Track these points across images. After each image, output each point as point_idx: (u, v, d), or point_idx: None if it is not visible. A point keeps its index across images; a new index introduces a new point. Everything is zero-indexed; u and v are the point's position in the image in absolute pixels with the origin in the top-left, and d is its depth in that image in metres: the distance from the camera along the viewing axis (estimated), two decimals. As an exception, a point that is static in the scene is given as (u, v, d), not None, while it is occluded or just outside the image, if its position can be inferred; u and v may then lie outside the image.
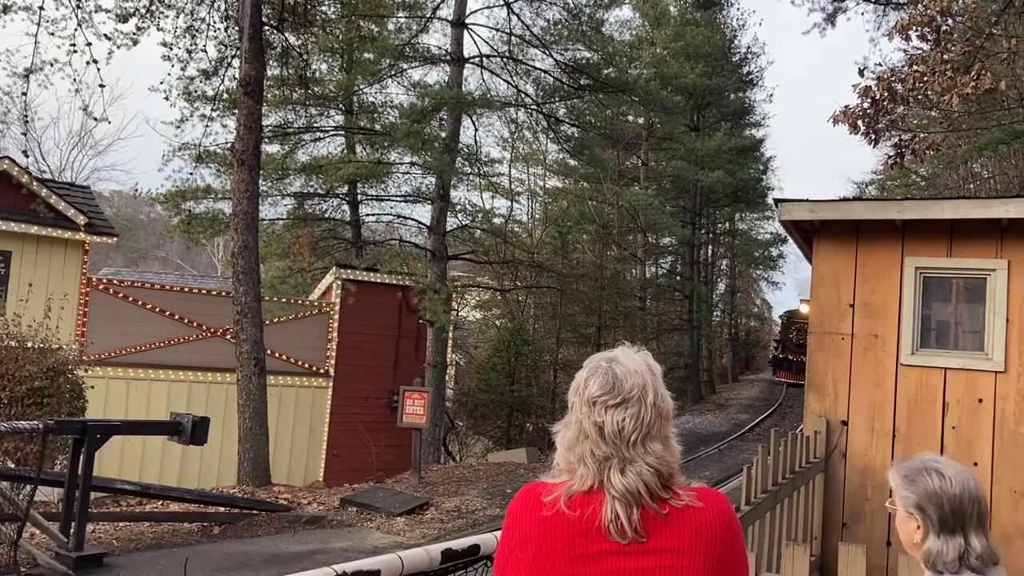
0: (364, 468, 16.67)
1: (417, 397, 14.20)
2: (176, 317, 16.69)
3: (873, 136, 11.13)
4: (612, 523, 1.61)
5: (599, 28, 22.96)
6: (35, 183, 15.31)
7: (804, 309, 31.10)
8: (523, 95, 22.75)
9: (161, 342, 16.45)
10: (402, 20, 21.50)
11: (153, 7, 15.05)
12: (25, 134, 15.26)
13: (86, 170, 42.59)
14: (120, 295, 16.30)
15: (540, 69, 22.59)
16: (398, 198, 24.50)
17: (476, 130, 22.45)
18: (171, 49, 15.76)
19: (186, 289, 18.52)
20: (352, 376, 18.34)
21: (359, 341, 18.49)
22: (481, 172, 23.25)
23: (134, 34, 14.91)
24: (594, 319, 30.64)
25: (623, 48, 25.89)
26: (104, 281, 16.80)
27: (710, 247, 45.37)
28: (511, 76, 22.43)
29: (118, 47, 14.67)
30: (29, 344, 11.23)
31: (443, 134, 20.87)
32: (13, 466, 10.05)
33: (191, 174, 19.06)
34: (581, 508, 1.63)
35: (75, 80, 13.78)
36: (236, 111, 14.66)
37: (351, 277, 18.67)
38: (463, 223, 23.02)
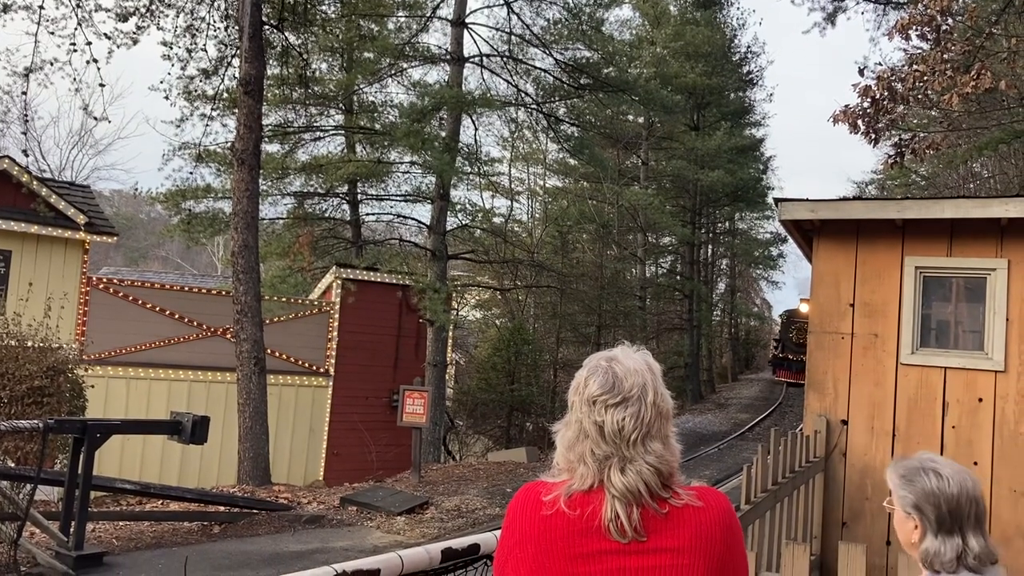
0: (364, 467, 16.67)
1: (417, 396, 14.20)
2: (176, 316, 16.70)
3: (873, 136, 11.12)
4: (612, 522, 1.61)
5: (599, 27, 22.95)
6: (35, 182, 15.31)
7: (804, 308, 31.10)
8: (523, 94, 22.75)
9: (161, 341, 16.46)
10: (402, 19, 21.50)
11: (153, 6, 15.05)
12: (25, 133, 15.26)
13: (86, 169, 42.63)
14: (120, 294, 16.30)
15: (540, 68, 22.60)
16: (398, 197, 24.51)
17: (476, 129, 22.48)
18: (171, 48, 15.77)
19: (186, 288, 18.53)
20: (352, 375, 18.35)
21: (359, 340, 18.49)
22: (481, 171, 23.25)
23: (134, 33, 14.92)
24: (594, 318, 30.64)
25: (623, 47, 25.89)
26: (104, 280, 16.81)
27: (710, 246, 45.36)
28: (511, 75, 22.44)
29: (118, 46, 14.68)
30: (29, 343, 11.23)
31: (443, 133, 20.87)
32: (13, 465, 10.05)
33: (191, 173, 19.10)
34: (581, 507, 1.63)
35: (75, 79, 13.79)
36: (236, 110, 14.66)
37: (351, 276, 18.68)
38: (463, 223, 23.02)
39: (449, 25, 21.36)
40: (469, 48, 21.56)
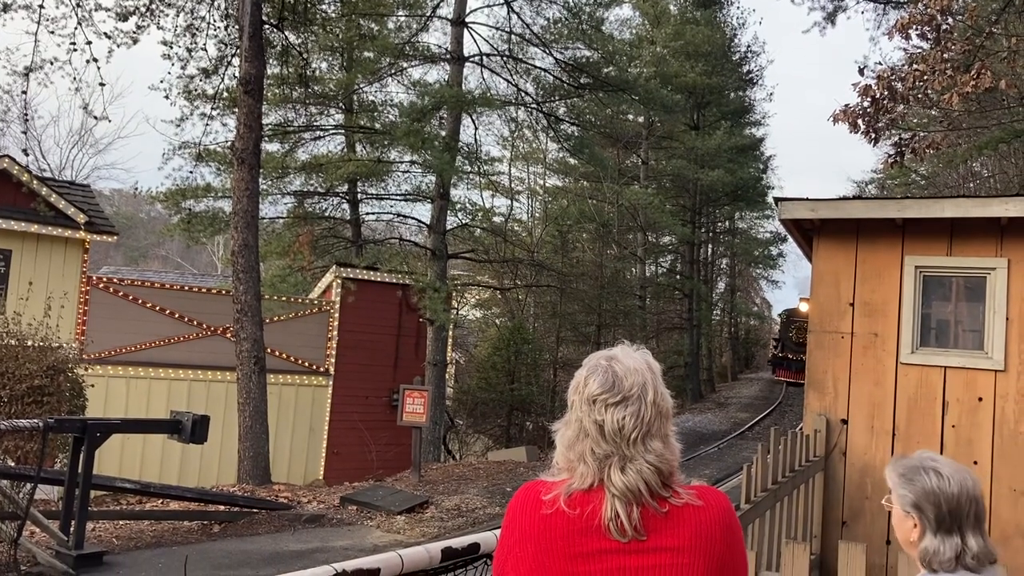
0: (364, 467, 16.68)
1: (417, 396, 14.20)
2: (176, 316, 16.70)
3: (873, 135, 11.12)
4: (612, 521, 1.61)
5: (599, 27, 22.95)
6: (35, 181, 15.31)
7: (803, 307, 31.09)
8: (523, 94, 22.75)
9: (161, 340, 16.46)
10: (402, 19, 21.50)
11: (153, 6, 15.05)
12: (25, 132, 15.33)
13: (86, 168, 42.64)
14: (120, 294, 16.31)
15: (540, 68, 22.60)
16: (398, 197, 24.52)
17: (476, 129, 22.47)
18: (171, 48, 15.77)
19: (186, 288, 18.54)
20: (352, 375, 18.35)
21: (359, 340, 18.50)
22: (481, 171, 23.24)
23: (134, 33, 14.92)
24: (594, 318, 30.64)
25: (623, 47, 25.89)
26: (104, 280, 16.81)
27: (710, 246, 45.36)
28: (511, 75, 22.43)
29: (118, 46, 14.68)
30: (29, 342, 11.23)
31: (443, 133, 20.87)
32: (13, 464, 10.06)
33: (191, 173, 19.10)
34: (581, 506, 1.64)
35: (75, 78, 13.79)
36: (236, 110, 14.65)
37: (351, 276, 18.68)
38: (463, 222, 23.02)
39: (449, 24, 21.36)
40: (469, 47, 21.59)
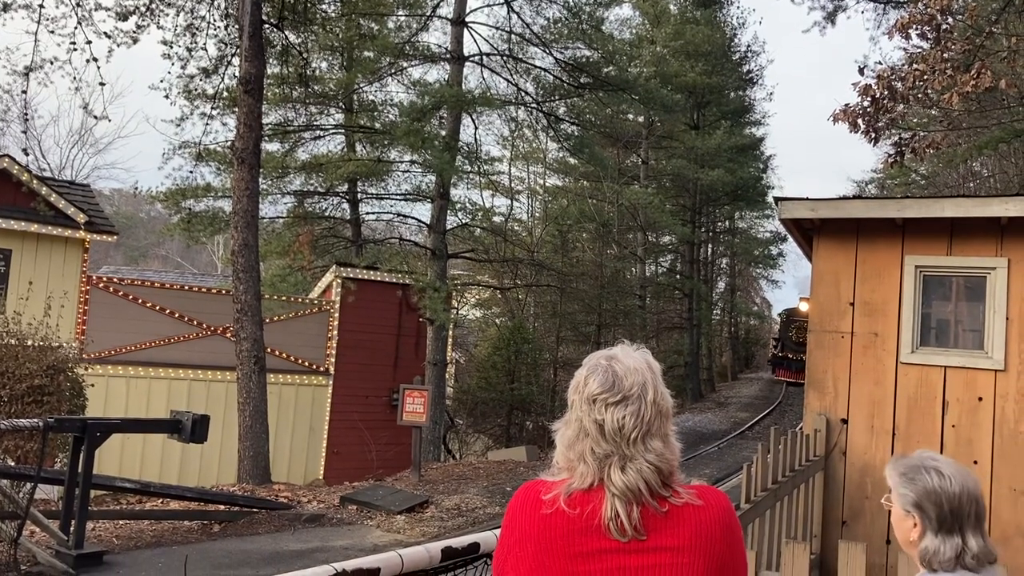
0: (364, 466, 16.68)
1: (417, 395, 14.20)
2: (176, 315, 16.70)
3: (873, 135, 11.11)
4: (612, 521, 1.61)
5: (599, 26, 22.95)
6: (35, 181, 15.32)
7: (803, 307, 31.09)
8: (523, 93, 22.75)
9: (161, 340, 16.46)
10: (402, 18, 21.50)
11: (153, 5, 15.05)
12: (25, 132, 15.34)
13: (86, 168, 42.65)
14: (120, 293, 16.31)
15: (540, 67, 22.60)
16: (398, 196, 24.53)
17: (476, 128, 22.47)
18: (171, 47, 15.77)
19: (186, 287, 18.55)
20: (352, 374, 18.35)
21: (359, 339, 18.50)
22: (481, 170, 23.24)
23: (134, 32, 14.92)
24: (594, 317, 30.65)
25: (623, 46, 25.89)
26: (104, 279, 16.81)
27: (710, 245, 45.37)
28: (511, 74, 22.43)
29: (118, 45, 14.68)
30: (29, 342, 11.24)
31: (443, 132, 20.87)
32: (13, 464, 10.06)
33: (191, 172, 19.10)
34: (581, 506, 1.64)
35: (75, 78, 13.79)
36: (236, 109, 14.66)
37: (351, 275, 18.69)
38: (463, 221, 23.03)
39: (449, 24, 21.36)
40: (469, 47, 21.58)
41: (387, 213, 26.08)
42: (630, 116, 34.63)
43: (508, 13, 21.59)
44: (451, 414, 24.31)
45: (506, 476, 15.53)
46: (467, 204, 22.78)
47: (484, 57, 21.94)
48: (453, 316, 21.93)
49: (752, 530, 4.78)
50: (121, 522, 10.15)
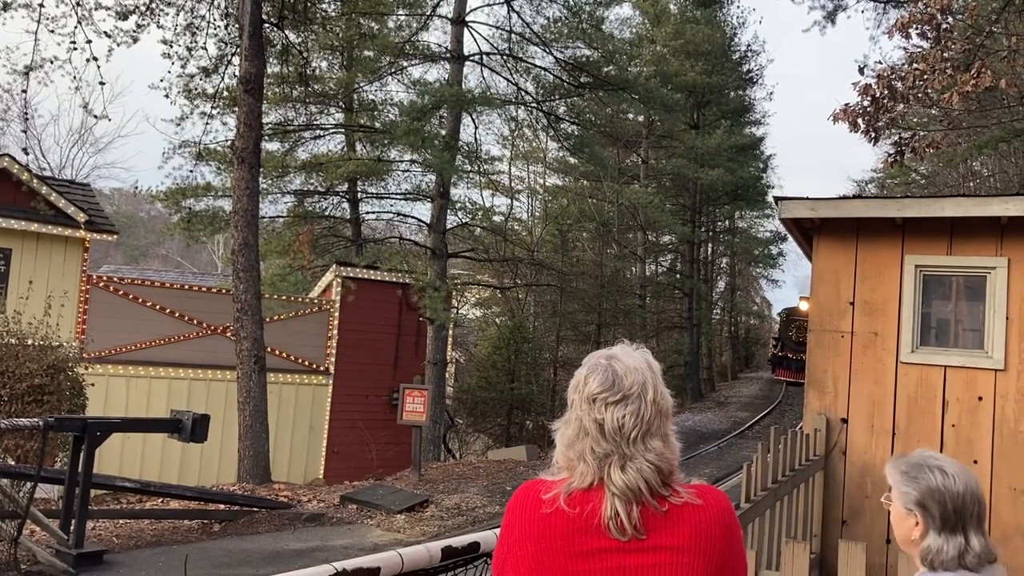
0: (364, 466, 16.68)
1: (417, 395, 14.20)
2: (176, 315, 16.70)
3: (873, 134, 11.12)
4: (612, 520, 1.61)
5: (599, 26, 22.94)
6: (35, 180, 15.32)
7: (803, 306, 31.08)
8: (523, 93, 22.75)
9: (161, 339, 16.46)
10: (402, 18, 21.50)
11: (153, 4, 15.04)
12: (25, 131, 15.34)
13: (86, 167, 42.63)
14: (120, 292, 16.31)
15: (540, 67, 22.59)
16: (398, 196, 24.53)
17: (476, 128, 22.48)
18: (171, 47, 15.76)
19: (186, 287, 18.55)
20: (352, 374, 18.36)
21: (359, 339, 18.50)
22: (481, 170, 23.24)
23: (134, 32, 14.91)
24: (594, 317, 30.65)
25: (623, 46, 25.88)
26: (104, 279, 16.81)
27: (710, 245, 45.37)
28: (511, 74, 22.43)
29: (118, 44, 14.68)
30: (29, 341, 11.24)
31: (443, 132, 20.87)
32: (13, 463, 10.06)
33: (191, 172, 19.09)
34: (581, 505, 1.64)
35: (75, 77, 13.79)
36: (236, 109, 14.66)
37: (351, 275, 18.69)
38: (463, 221, 23.03)
39: (449, 23, 21.35)
40: (469, 46, 21.58)
41: (387, 212, 26.11)
42: (630, 115, 34.63)
43: (508, 12, 21.60)
44: (451, 413, 24.31)
45: (506, 475, 15.53)
46: (467, 203, 22.79)
47: (484, 56, 21.93)
48: (453, 315, 21.93)
49: (752, 529, 4.78)
50: (121, 521, 10.16)
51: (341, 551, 9.14)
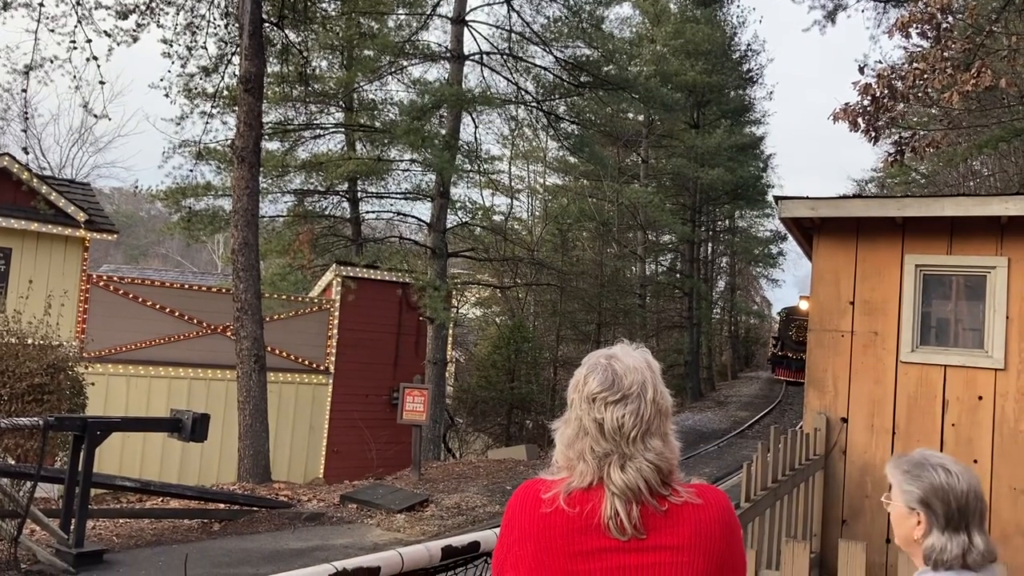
0: (364, 465, 16.68)
1: (417, 394, 14.20)
2: (176, 314, 16.70)
3: (873, 134, 11.11)
4: (612, 520, 1.61)
5: (599, 25, 22.94)
6: (35, 180, 15.31)
7: (803, 306, 31.06)
8: (523, 92, 22.75)
9: (161, 339, 16.46)
10: (402, 17, 21.50)
11: (153, 4, 15.04)
12: (25, 131, 15.33)
13: (86, 167, 42.63)
14: (120, 292, 16.31)
15: (540, 66, 22.59)
16: (398, 195, 24.53)
17: (476, 127, 22.47)
18: (171, 46, 15.75)
19: (186, 286, 18.54)
20: (352, 373, 18.36)
21: (359, 338, 18.50)
22: (481, 169, 23.24)
23: (134, 31, 14.91)
24: (594, 316, 30.65)
25: (623, 45, 25.91)
26: (104, 278, 16.81)
27: (710, 244, 45.37)
28: (511, 73, 22.43)
29: (118, 44, 14.68)
30: (29, 341, 11.23)
31: (443, 131, 20.87)
32: (13, 462, 10.05)
33: (191, 171, 19.08)
34: (580, 505, 1.64)
35: (75, 77, 13.79)
36: (236, 108, 14.65)
37: (351, 274, 18.69)
38: (463, 220, 23.04)
39: (449, 23, 21.35)
40: (469, 46, 21.58)
41: (387, 212, 26.14)
42: (630, 115, 34.63)
43: (508, 12, 21.59)
44: (451, 413, 24.31)
45: (506, 475, 15.53)
46: (467, 203, 22.80)
47: (484, 56, 21.93)
48: (453, 315, 21.93)
49: (752, 529, 4.78)
50: (121, 521, 10.15)
51: (341, 550, 9.15)
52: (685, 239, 36.65)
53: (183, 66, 16.34)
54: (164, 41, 15.69)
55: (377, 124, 21.99)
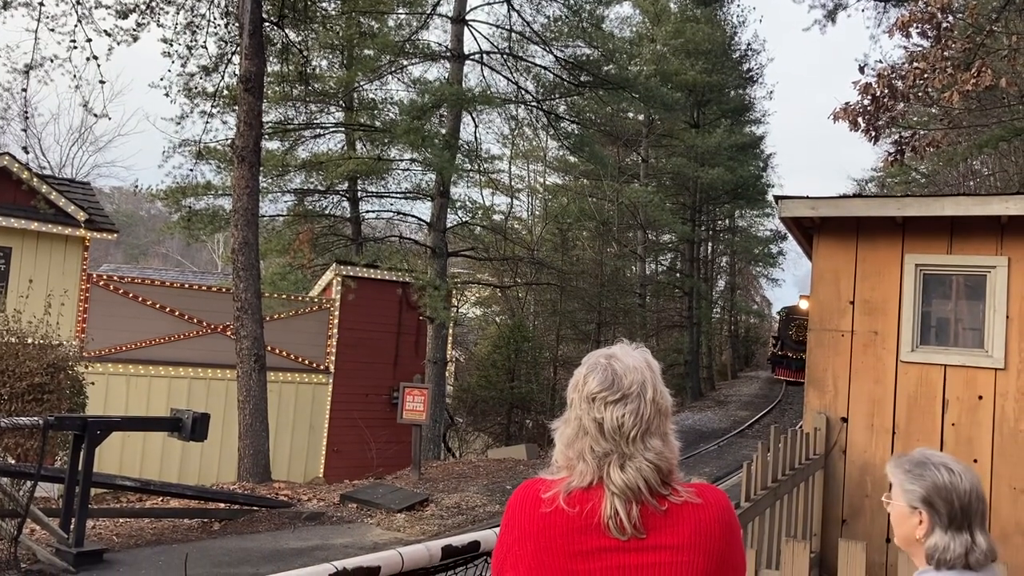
0: (364, 464, 16.69)
1: (417, 393, 14.20)
2: (176, 313, 16.70)
3: (873, 133, 11.11)
4: (611, 519, 1.61)
5: (599, 25, 22.93)
6: (35, 179, 15.31)
7: (803, 305, 31.03)
8: (523, 92, 22.74)
9: (161, 338, 16.46)
10: (402, 16, 21.50)
11: (153, 3, 15.03)
12: (25, 130, 15.33)
13: (86, 166, 42.65)
14: (120, 291, 16.31)
15: (540, 66, 22.58)
16: (398, 195, 24.54)
17: (476, 127, 22.47)
18: (171, 45, 15.74)
19: (186, 285, 18.54)
20: (352, 372, 18.36)
21: (359, 337, 18.50)
22: (481, 169, 23.24)
23: (134, 30, 14.90)
24: (594, 316, 30.65)
25: (623, 45, 25.88)
26: (104, 277, 16.81)
27: (710, 244, 45.35)
28: (511, 72, 22.43)
29: (118, 43, 14.66)
30: (29, 340, 11.23)
31: (443, 131, 20.86)
32: (13, 462, 10.05)
33: (191, 170, 19.08)
34: (580, 504, 1.63)
35: (75, 76, 13.77)
36: (236, 107, 14.64)
37: (351, 274, 18.69)
38: (463, 220, 23.04)
39: (449, 22, 21.35)
40: (469, 45, 21.57)
41: (387, 211, 26.16)
42: (630, 114, 34.62)
43: (508, 11, 21.58)
44: (451, 412, 24.31)
45: (506, 474, 15.53)
46: (467, 202, 22.81)
47: (484, 55, 21.92)
48: (453, 314, 21.93)
49: (752, 528, 4.78)
50: (121, 520, 10.15)
51: (341, 550, 9.15)
52: (685, 238, 36.65)
53: (183, 65, 16.35)
54: (164, 40, 15.68)
55: (377, 123, 21.99)
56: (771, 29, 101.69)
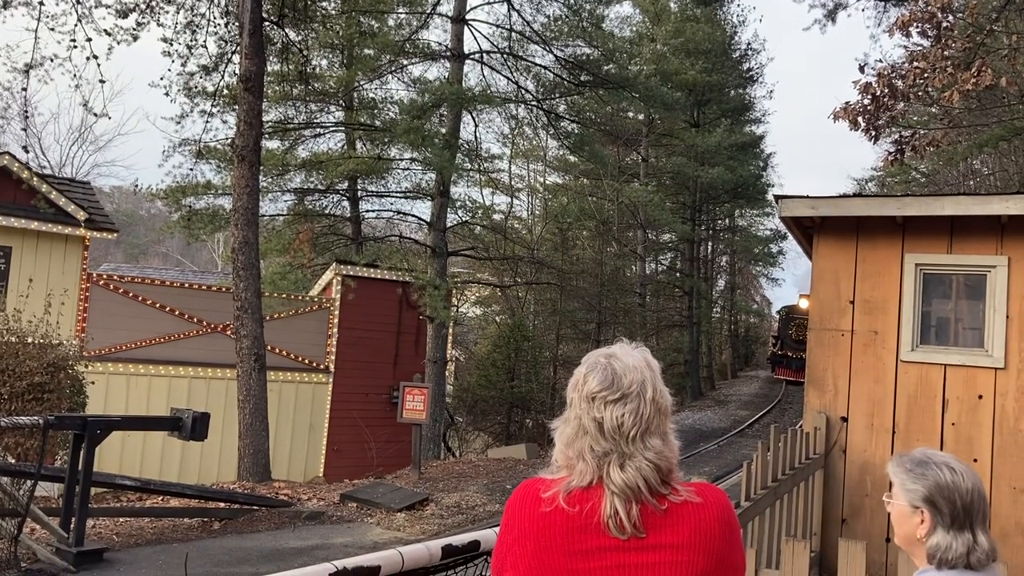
0: (364, 464, 16.69)
1: (417, 393, 14.20)
2: (176, 313, 16.70)
3: (873, 132, 11.11)
4: (611, 519, 1.61)
5: (599, 24, 22.92)
6: (35, 179, 15.31)
7: (803, 304, 31.03)
8: (523, 91, 22.74)
9: (161, 338, 16.46)
10: (402, 16, 21.49)
11: (153, 3, 15.03)
12: (25, 130, 15.32)
13: (86, 166, 42.67)
14: (120, 291, 16.30)
15: (540, 65, 22.58)
16: (398, 194, 24.54)
17: (476, 126, 22.48)
18: (171, 45, 15.74)
19: (186, 285, 18.53)
20: (352, 372, 18.36)
21: (359, 337, 18.50)
22: (481, 168, 23.25)
23: (134, 30, 14.90)
24: (594, 315, 30.66)
25: (623, 44, 25.85)
26: (104, 277, 16.81)
27: (710, 243, 45.34)
28: (511, 72, 22.42)
29: (118, 43, 14.67)
30: (29, 340, 11.23)
31: (443, 130, 20.86)
32: (14, 461, 10.05)
33: (191, 170, 19.09)
34: (580, 504, 1.64)
35: (75, 76, 13.78)
36: (236, 107, 14.65)
37: (351, 273, 18.69)
38: (463, 219, 23.04)
39: (449, 22, 21.34)
40: (469, 45, 21.57)
41: (387, 211, 26.18)
42: (630, 114, 34.61)
43: (508, 11, 21.58)
44: (451, 412, 24.31)
45: (506, 474, 15.53)
46: (467, 202, 22.81)
47: (484, 55, 21.92)
48: (453, 314, 21.94)
49: (752, 528, 4.78)
50: (121, 519, 10.16)
51: (341, 549, 9.15)
52: (685, 238, 36.65)
53: (183, 65, 16.35)
54: (164, 40, 15.69)
55: (377, 123, 21.99)
56: (771, 29, 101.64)
